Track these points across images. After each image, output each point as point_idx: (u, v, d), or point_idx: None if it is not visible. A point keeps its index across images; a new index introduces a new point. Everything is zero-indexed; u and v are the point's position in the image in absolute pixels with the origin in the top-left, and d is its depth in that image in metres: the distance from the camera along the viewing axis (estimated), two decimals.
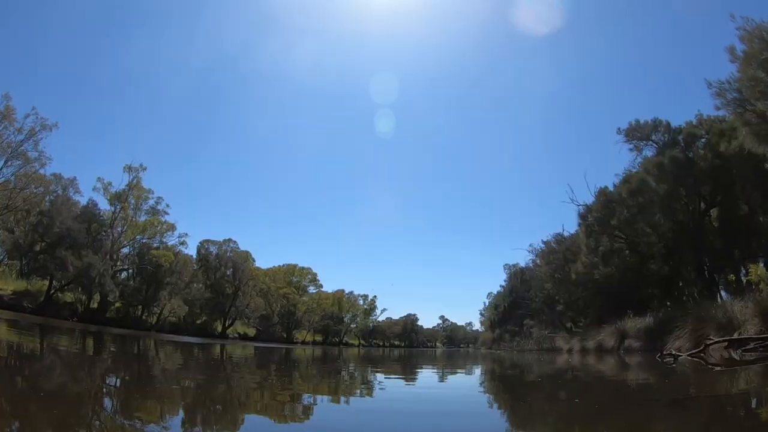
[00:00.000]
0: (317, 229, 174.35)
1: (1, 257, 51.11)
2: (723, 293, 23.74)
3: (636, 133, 27.27)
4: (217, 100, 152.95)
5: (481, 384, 11.46)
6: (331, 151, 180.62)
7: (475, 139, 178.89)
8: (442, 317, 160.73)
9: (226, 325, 67.74)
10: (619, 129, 28.34)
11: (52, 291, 43.61)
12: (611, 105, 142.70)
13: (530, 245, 49.88)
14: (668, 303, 27.97)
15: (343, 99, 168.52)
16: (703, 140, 24.30)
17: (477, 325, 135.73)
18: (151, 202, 58.50)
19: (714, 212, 24.40)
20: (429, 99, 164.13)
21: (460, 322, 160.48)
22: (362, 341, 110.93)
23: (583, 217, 26.23)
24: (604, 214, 24.12)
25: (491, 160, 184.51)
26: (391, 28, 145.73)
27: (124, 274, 58.69)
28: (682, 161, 22.66)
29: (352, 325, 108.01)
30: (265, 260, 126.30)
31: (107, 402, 5.88)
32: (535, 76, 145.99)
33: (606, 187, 25.86)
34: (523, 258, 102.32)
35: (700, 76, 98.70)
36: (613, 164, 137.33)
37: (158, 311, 57.29)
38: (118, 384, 7.93)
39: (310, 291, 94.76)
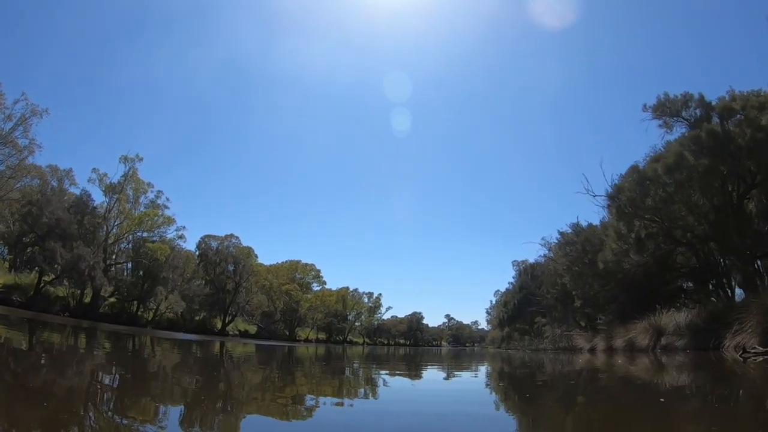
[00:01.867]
0: (322, 225, 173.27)
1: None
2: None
3: (665, 109, 24.87)
4: (227, 101, 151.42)
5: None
6: (335, 148, 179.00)
7: (485, 136, 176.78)
8: (447, 316, 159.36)
9: (226, 321, 66.06)
10: (645, 106, 25.98)
11: (42, 285, 41.75)
12: (623, 98, 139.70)
13: (543, 238, 47.49)
14: (702, 296, 25.78)
15: (344, 98, 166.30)
16: (739, 116, 21.93)
17: (483, 324, 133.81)
18: (151, 195, 56.50)
19: (754, 193, 21.90)
20: (439, 97, 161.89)
21: (466, 321, 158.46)
22: (366, 339, 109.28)
23: (612, 198, 23.50)
24: (638, 193, 21.55)
25: (500, 156, 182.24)
26: (402, 26, 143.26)
27: (125, 272, 57.02)
28: (721, 135, 20.35)
29: (356, 323, 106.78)
30: (268, 257, 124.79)
31: (95, 404, 5.36)
32: (546, 69, 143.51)
33: (637, 165, 23.53)
34: (533, 254, 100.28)
35: (719, 63, 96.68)
36: (627, 156, 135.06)
37: (155, 307, 55.38)
38: (107, 387, 7.08)
39: (314, 288, 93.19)
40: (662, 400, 6.23)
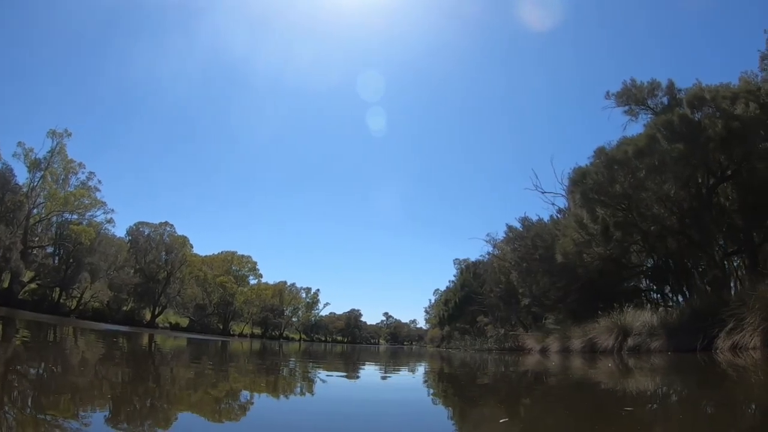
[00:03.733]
0: (260, 218, 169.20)
1: None
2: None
3: (631, 95, 24.12)
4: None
5: None
6: (280, 141, 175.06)
7: (441, 134, 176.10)
8: (385, 314, 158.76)
9: (156, 313, 62.99)
10: (608, 93, 25.34)
11: None
12: (578, 99, 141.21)
13: (488, 234, 46.92)
14: (660, 295, 25.46)
15: (300, 94, 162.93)
16: (709, 108, 21.04)
17: (421, 323, 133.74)
18: (82, 176, 52.90)
19: (726, 186, 21.03)
20: (404, 100, 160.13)
21: (404, 320, 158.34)
22: (303, 336, 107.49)
23: (575, 182, 22.34)
24: (605, 177, 20.42)
25: (450, 152, 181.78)
26: (372, 24, 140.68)
27: (55, 258, 53.25)
28: (693, 122, 19.55)
29: (293, 319, 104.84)
30: (205, 248, 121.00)
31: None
32: (506, 68, 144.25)
33: (604, 147, 22.13)
34: (475, 253, 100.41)
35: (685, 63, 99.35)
36: (581, 155, 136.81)
37: (79, 295, 51.94)
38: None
39: (250, 281, 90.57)
40: None
